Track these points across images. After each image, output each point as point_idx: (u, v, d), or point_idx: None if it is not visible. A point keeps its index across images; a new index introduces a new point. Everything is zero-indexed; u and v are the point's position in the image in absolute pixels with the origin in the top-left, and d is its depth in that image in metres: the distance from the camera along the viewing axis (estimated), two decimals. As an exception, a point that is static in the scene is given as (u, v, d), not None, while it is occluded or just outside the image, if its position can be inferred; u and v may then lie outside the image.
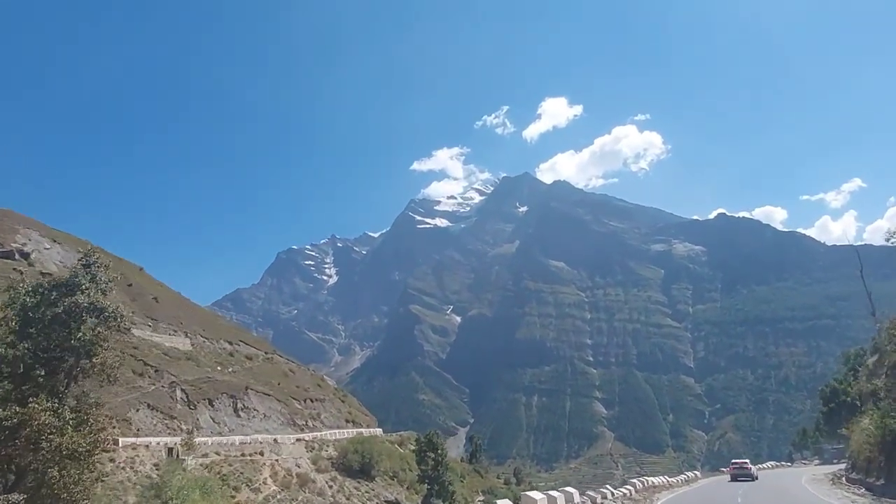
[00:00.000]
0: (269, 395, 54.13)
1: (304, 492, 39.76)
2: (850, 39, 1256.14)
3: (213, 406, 46.18)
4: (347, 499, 44.36)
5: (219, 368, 55.90)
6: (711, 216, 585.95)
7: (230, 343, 66.69)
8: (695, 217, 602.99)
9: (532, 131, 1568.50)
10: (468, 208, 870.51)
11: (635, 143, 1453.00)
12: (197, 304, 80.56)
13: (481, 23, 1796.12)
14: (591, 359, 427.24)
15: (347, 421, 69.43)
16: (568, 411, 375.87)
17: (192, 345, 59.08)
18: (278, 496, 37.42)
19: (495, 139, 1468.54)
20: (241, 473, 37.19)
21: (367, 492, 47.30)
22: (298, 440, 48.32)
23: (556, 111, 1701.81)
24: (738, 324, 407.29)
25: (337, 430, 62.66)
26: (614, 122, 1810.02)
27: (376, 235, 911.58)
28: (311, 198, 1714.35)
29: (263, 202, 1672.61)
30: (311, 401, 64.78)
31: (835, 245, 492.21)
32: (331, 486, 43.93)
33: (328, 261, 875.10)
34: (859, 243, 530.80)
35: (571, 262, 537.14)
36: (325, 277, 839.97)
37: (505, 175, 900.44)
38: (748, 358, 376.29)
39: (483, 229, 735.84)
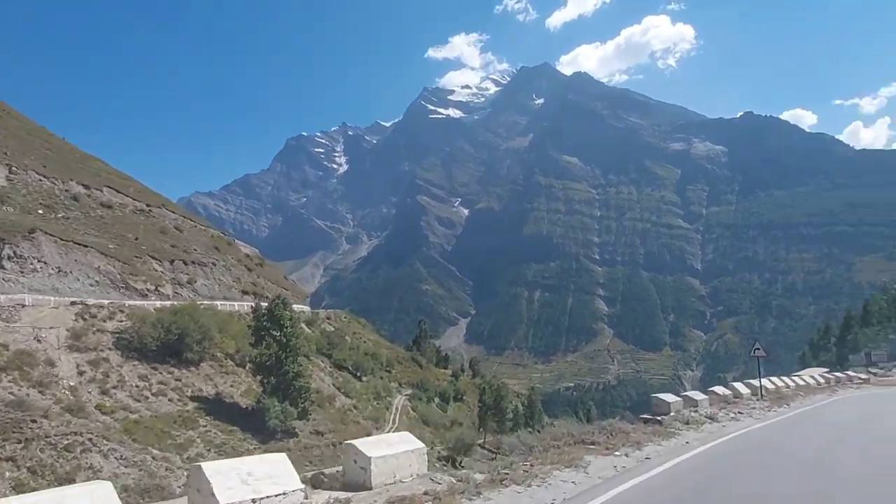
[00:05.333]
0: (86, 247, 41.74)
1: (2, 378, 26.04)
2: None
3: (-43, 247, 34.38)
4: (104, 393, 30.17)
5: (40, 212, 44.03)
6: (737, 116, 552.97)
7: (86, 187, 53.68)
8: (720, 117, 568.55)
9: (556, 19, 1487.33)
10: (482, 99, 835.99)
11: (665, 36, 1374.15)
12: (73, 146, 67.16)
13: None
14: (597, 257, 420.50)
15: (246, 293, 57.15)
16: (569, 307, 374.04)
17: (10, 179, 46.68)
18: None
19: (516, 26, 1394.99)
20: None
21: (164, 382, 33.74)
22: (74, 303, 36.26)
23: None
24: (752, 228, 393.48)
25: (222, 302, 51.43)
26: (645, 10, 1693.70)
27: (388, 125, 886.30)
28: (323, 85, 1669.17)
29: (274, 87, 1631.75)
30: (187, 263, 52.43)
31: (864, 149, 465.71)
32: (82, 372, 30.40)
33: (338, 149, 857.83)
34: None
35: (585, 158, 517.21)
36: (334, 166, 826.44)
37: (523, 65, 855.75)
38: (757, 262, 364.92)
39: (496, 121, 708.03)
